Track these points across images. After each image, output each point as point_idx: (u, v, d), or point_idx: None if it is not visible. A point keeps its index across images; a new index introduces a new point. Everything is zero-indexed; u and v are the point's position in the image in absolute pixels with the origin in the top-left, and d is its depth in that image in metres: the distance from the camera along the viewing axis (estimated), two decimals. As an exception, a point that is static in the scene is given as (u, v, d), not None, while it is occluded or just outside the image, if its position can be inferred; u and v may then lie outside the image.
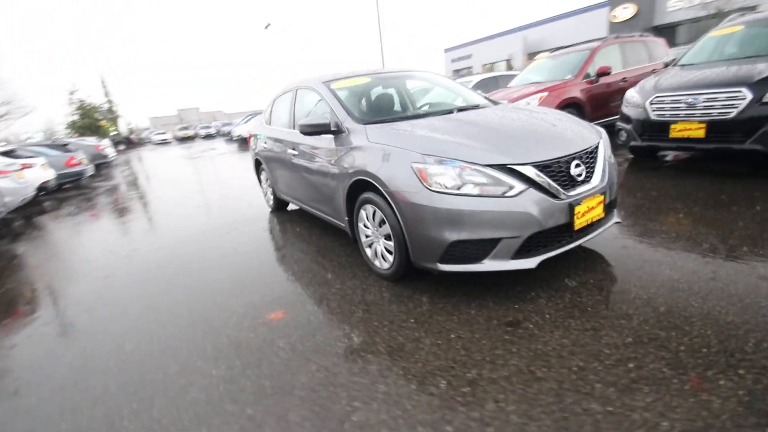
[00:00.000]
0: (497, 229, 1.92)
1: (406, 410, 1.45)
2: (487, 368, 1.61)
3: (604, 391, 1.42)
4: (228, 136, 24.23)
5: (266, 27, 24.00)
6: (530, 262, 1.98)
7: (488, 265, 1.99)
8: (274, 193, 4.43)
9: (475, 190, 1.93)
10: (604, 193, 2.17)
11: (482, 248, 1.97)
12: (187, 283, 2.91)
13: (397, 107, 3.04)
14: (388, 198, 2.17)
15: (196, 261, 3.37)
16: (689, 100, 3.69)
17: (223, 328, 2.21)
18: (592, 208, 2.11)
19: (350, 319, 2.12)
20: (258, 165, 4.75)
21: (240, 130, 18.49)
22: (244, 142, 19.28)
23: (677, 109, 3.78)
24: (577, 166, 2.09)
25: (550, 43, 26.86)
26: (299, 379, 1.70)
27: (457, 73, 33.11)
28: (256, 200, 5.22)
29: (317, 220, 4.04)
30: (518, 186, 1.93)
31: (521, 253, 1.98)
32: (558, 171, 2.03)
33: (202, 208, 5.61)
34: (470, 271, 2.02)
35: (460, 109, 2.90)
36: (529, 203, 1.92)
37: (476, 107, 2.97)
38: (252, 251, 3.44)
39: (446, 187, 1.96)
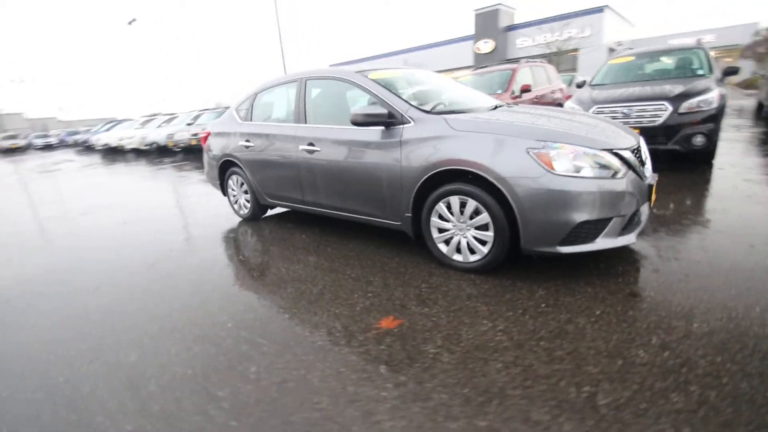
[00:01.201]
0: (611, 208, 2.07)
1: (639, 382, 1.44)
2: (662, 334, 1.71)
3: (768, 332, 1.66)
4: (81, 146, 19.95)
5: (130, 22, 20.60)
6: (631, 238, 2.18)
7: (600, 243, 2.12)
8: (255, 199, 3.85)
9: (592, 173, 2.05)
10: (656, 178, 2.54)
11: (597, 228, 2.09)
12: (236, 310, 2.31)
13: (447, 101, 2.99)
14: (498, 184, 2.13)
15: (227, 283, 2.70)
16: (625, 111, 4.56)
17: (334, 347, 1.83)
18: (655, 189, 2.45)
19: (478, 314, 1.99)
20: (226, 168, 4.08)
21: (106, 137, 15.43)
22: (112, 152, 16.21)
23: (615, 117, 4.63)
24: (644, 153, 2.41)
25: (426, 67, 29.70)
26: (496, 379, 1.53)
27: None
28: (218, 209, 4.46)
29: (317, 224, 3.67)
30: (623, 168, 2.12)
31: (623, 230, 2.17)
32: (637, 157, 2.30)
33: (149, 225, 4.50)
34: (585, 251, 2.11)
35: (497, 107, 3.02)
36: (631, 184, 2.12)
37: (502, 106, 3.14)
38: (273, 264, 2.92)
39: (569, 171, 2.03)
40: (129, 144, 14.35)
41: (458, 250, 2.47)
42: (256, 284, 2.59)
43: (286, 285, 2.52)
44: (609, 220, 2.09)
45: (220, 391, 1.60)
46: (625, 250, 2.54)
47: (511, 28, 26.63)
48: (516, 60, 8.20)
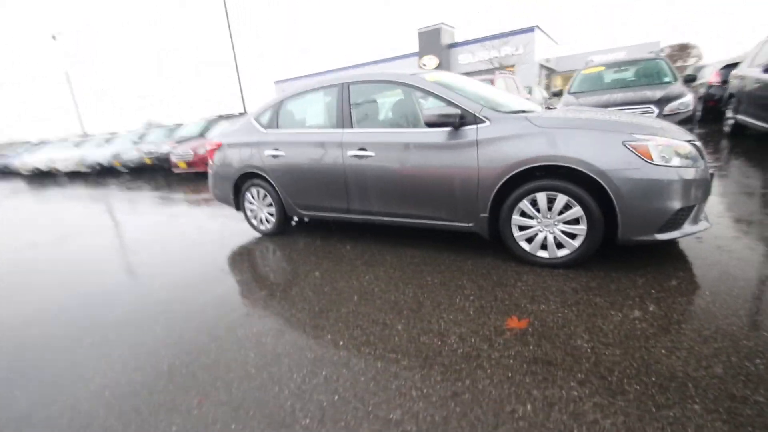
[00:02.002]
0: (696, 195, 2.21)
1: (804, 350, 1.53)
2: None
3: None
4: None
5: (54, 37, 18.50)
6: (704, 224, 2.33)
7: (686, 229, 2.24)
8: (282, 211, 3.59)
9: (680, 162, 2.18)
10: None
11: (686, 214, 2.22)
12: (336, 327, 2.09)
13: (496, 102, 2.99)
14: (598, 178, 2.17)
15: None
16: (615, 114, 4.96)
17: (481, 352, 1.72)
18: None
19: (599, 306, 1.99)
20: (242, 182, 3.77)
21: (34, 160, 13.61)
22: (39, 176, 14.34)
23: (607, 120, 5.02)
24: None
25: (374, 82, 30.19)
26: (672, 364, 1.53)
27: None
28: (220, 228, 4.09)
29: (351, 233, 3.49)
30: (699, 158, 2.28)
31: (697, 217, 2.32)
32: (697, 148, 2.48)
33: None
34: (675, 238, 2.22)
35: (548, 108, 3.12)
36: (707, 172, 2.29)
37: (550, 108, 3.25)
38: (339, 278, 2.72)
39: (665, 162, 2.14)
40: (65, 166, 12.79)
41: (541, 247, 2.48)
42: (335, 300, 2.38)
43: (372, 298, 2.35)
44: (693, 207, 2.22)
45: (391, 414, 1.43)
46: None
47: (453, 45, 28.08)
48: (491, 71, 8.64)
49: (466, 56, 27.18)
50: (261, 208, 3.76)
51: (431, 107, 2.57)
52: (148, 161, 10.10)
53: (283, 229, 3.76)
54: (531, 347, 1.72)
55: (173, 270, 3.25)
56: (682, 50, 25.55)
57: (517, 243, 2.54)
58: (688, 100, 4.75)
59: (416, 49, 28.14)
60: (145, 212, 5.94)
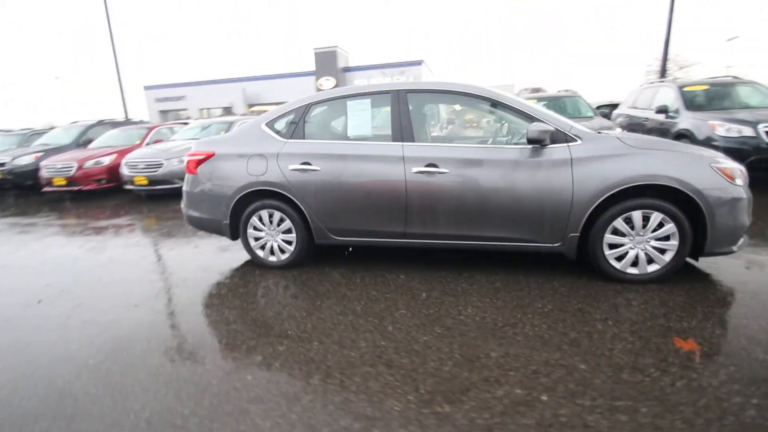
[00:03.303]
0: (750, 211, 2.54)
1: None
2: None
3: None
4: None
5: None
6: (747, 238, 2.69)
7: (742, 242, 2.54)
8: (308, 237, 2.96)
9: (743, 183, 2.47)
10: None
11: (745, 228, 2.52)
12: (504, 362, 1.69)
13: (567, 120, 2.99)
14: (695, 197, 2.32)
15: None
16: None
17: (699, 381, 1.61)
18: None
19: (723, 318, 2.09)
20: (245, 203, 3.01)
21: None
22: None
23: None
24: None
25: (267, 98, 28.88)
26: None
27: (165, 114, 29.53)
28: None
29: (379, 260, 3.07)
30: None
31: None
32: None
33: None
34: (739, 249, 2.50)
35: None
36: (748, 192, 2.66)
37: None
38: (441, 311, 2.30)
39: (739, 182, 2.41)
40: None
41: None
42: (465, 343, 1.98)
43: (504, 335, 2.04)
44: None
45: (715, 479, 1.19)
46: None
47: (348, 69, 28.82)
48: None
49: (362, 81, 28.09)
50: (274, 235, 3.03)
51: (535, 124, 2.44)
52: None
53: (301, 260, 3.10)
54: (733, 368, 1.68)
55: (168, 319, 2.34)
56: (535, 92, 31.14)
57: (608, 261, 2.54)
58: (617, 133, 5.67)
59: (312, 68, 27.99)
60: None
